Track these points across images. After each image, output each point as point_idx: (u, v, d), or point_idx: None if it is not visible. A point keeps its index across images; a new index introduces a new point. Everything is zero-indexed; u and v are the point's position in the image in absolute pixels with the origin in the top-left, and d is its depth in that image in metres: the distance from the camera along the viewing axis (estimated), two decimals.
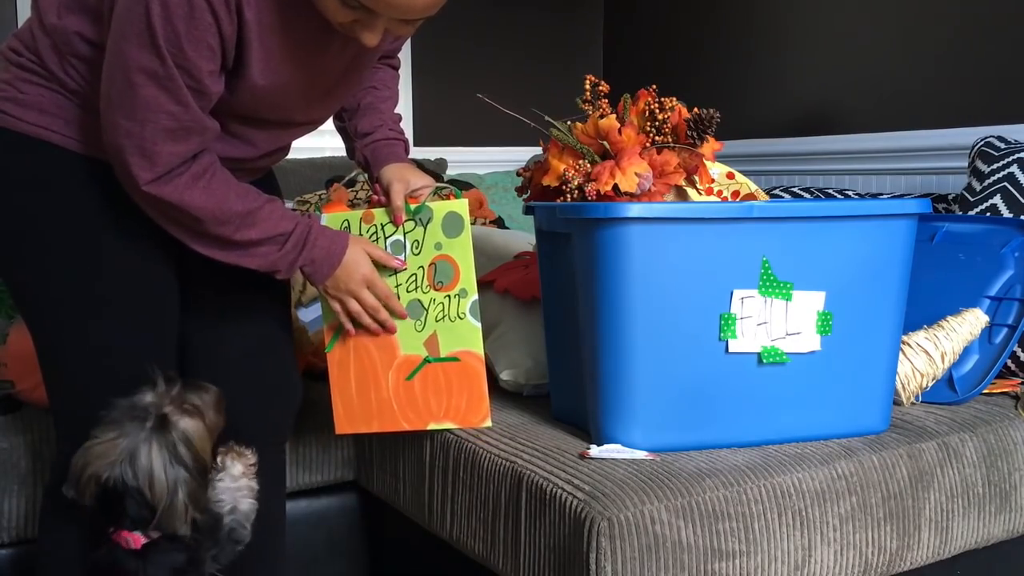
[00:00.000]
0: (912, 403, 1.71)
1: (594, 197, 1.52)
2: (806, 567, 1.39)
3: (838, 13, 2.71)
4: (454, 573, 1.71)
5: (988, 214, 1.96)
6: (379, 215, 1.54)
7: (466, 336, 1.52)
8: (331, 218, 1.55)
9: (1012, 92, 2.30)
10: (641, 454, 1.43)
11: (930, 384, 1.70)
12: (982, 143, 2.12)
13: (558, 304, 1.58)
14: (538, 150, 1.71)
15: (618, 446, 1.44)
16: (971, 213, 1.99)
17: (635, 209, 1.39)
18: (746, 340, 1.45)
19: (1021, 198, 1.95)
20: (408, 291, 1.53)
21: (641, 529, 1.27)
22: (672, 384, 1.44)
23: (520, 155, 3.18)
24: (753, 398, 1.48)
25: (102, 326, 1.40)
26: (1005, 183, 1.99)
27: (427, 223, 1.52)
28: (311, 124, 1.51)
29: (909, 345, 1.68)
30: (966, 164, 2.17)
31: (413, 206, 1.52)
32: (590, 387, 1.48)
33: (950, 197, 2.17)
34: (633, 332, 1.42)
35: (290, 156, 2.64)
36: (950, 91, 2.44)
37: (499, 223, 2.66)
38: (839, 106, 2.72)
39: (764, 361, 1.46)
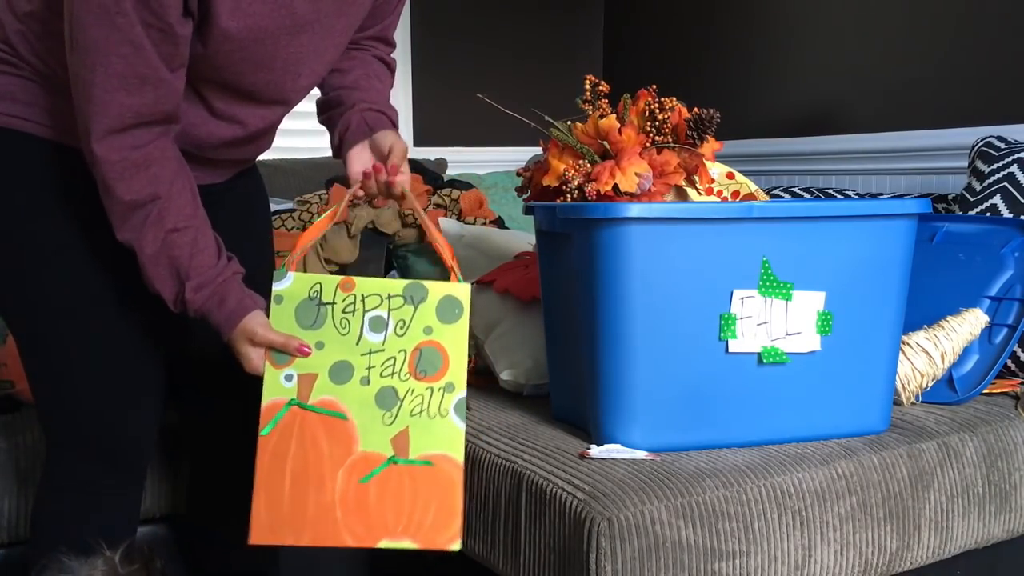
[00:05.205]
0: (912, 403, 1.70)
1: (594, 197, 1.52)
2: (806, 567, 1.39)
3: (838, 13, 2.71)
4: (454, 573, 1.71)
5: (988, 214, 1.96)
6: (360, 285, 1.32)
7: (445, 438, 1.30)
8: (300, 279, 1.32)
9: (1012, 92, 2.30)
10: (641, 454, 1.43)
11: (930, 384, 1.70)
12: (982, 143, 2.12)
13: (558, 304, 1.58)
14: (538, 150, 1.71)
15: (618, 446, 1.44)
16: (971, 213, 1.99)
17: (635, 209, 1.39)
18: (746, 340, 1.45)
19: (1021, 198, 1.95)
20: (382, 376, 1.31)
21: (641, 529, 1.27)
22: (672, 384, 1.44)
23: (520, 155, 3.18)
24: (753, 398, 1.48)
25: (89, 320, 1.36)
26: (1005, 183, 1.99)
27: (419, 303, 1.33)
28: (296, 91, 1.40)
29: (909, 345, 1.68)
30: (966, 164, 2.16)
31: (406, 282, 1.34)
32: (590, 387, 1.48)
33: (950, 197, 2.17)
34: (633, 332, 1.42)
35: (290, 156, 2.65)
36: (950, 91, 2.44)
37: (499, 223, 2.66)
38: (839, 106, 2.72)
39: (764, 361, 1.46)
